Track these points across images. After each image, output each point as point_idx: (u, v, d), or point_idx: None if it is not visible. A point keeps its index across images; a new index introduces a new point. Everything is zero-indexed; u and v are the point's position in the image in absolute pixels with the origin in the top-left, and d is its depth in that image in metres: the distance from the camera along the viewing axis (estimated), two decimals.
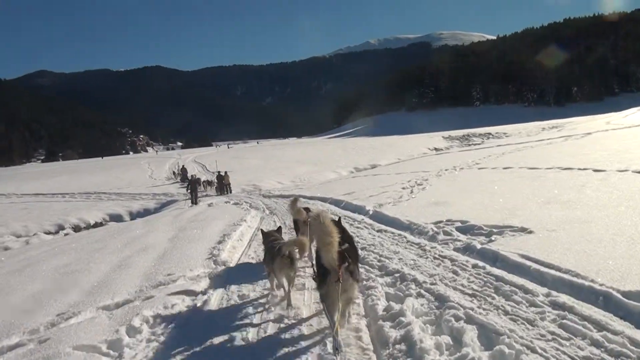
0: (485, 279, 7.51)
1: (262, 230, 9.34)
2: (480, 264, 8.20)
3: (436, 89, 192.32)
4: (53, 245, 16.99)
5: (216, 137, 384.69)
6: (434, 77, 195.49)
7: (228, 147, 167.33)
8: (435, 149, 69.39)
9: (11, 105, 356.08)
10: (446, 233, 10.64)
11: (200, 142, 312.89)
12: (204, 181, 46.70)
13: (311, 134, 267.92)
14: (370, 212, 14.98)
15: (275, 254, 7.28)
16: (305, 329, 6.58)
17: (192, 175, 37.76)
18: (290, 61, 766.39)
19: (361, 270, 8.23)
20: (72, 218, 35.06)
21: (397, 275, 8.34)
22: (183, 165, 63.73)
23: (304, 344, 6.12)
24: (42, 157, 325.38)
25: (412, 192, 17.93)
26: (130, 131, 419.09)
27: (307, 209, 10.27)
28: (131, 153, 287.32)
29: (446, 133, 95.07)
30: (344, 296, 5.66)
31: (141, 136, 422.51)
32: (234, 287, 8.81)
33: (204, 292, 8.73)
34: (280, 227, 9.52)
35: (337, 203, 18.68)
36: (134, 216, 35.55)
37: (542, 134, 66.60)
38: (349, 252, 5.90)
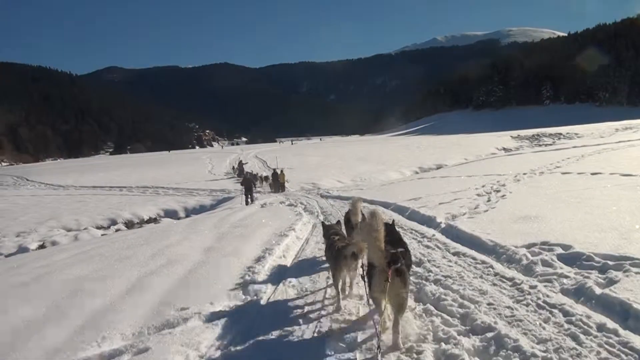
0: (621, 354, 5.06)
1: (323, 222, 9.92)
2: (609, 323, 5.64)
3: (505, 87, 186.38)
4: (84, 247, 15.29)
5: (280, 133, 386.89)
6: (503, 74, 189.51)
7: (292, 143, 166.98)
8: (504, 149, 66.06)
9: (82, 99, 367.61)
10: (546, 263, 7.98)
11: (264, 138, 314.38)
12: (260, 176, 45.52)
13: (374, 132, 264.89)
14: (442, 226, 12.56)
15: (338, 253, 7.21)
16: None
17: (246, 172, 34.96)
18: (356, 58, 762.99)
19: (436, 320, 6.45)
20: (125, 213, 34.23)
21: (489, 335, 5.75)
22: (240, 160, 62.57)
23: None
24: (110, 150, 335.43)
25: (489, 200, 15.43)
26: (197, 126, 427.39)
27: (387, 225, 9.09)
28: (197, 147, 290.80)
29: (515, 132, 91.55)
30: (393, 299, 5.51)
31: (207, 131, 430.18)
32: (260, 338, 6.51)
33: (217, 347, 6.45)
34: (339, 221, 9.74)
35: (401, 210, 16.33)
36: (189, 212, 34.71)
37: (617, 135, 62.35)
38: (403, 256, 5.86)
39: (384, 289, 5.38)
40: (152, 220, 33.68)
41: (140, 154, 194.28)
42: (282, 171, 40.98)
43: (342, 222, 9.82)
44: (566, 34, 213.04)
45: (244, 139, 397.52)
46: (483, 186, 19.04)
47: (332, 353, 5.72)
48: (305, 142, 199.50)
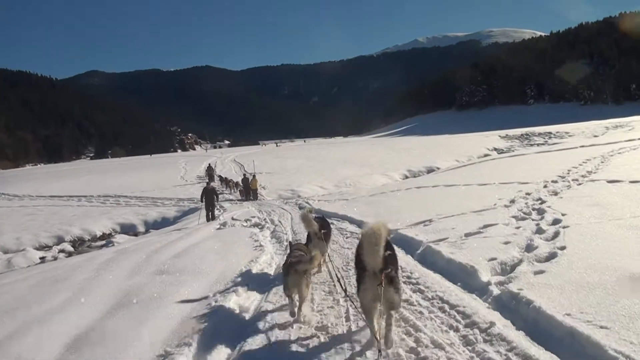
0: None
1: (290, 242, 9.99)
2: None
3: (488, 87, 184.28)
4: None
5: (263, 135, 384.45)
6: (486, 74, 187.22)
7: (277, 145, 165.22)
8: (496, 150, 62.91)
9: (62, 104, 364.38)
10: None
11: (247, 141, 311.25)
12: (231, 182, 42.13)
13: (358, 134, 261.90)
14: (495, 293, 7.22)
15: (289, 268, 7.12)
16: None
17: (207, 183, 30.20)
18: (338, 60, 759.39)
19: None
20: (75, 228, 30.42)
21: None
22: (209, 165, 58.33)
23: None
24: (91, 155, 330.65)
25: (539, 228, 10.28)
26: (179, 130, 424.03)
27: (322, 220, 9.93)
28: (179, 151, 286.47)
29: (502, 132, 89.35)
30: (385, 303, 5.51)
31: (189, 135, 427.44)
32: None
33: None
34: (309, 235, 9.66)
35: (408, 245, 10.97)
36: (149, 226, 31.08)
37: (611, 133, 60.46)
38: (391, 259, 5.91)
39: (377, 294, 5.42)
40: (105, 236, 29.81)
41: (118, 159, 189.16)
42: (254, 176, 36.98)
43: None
44: (548, 34, 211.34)
45: (226, 142, 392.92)
46: (512, 201, 14.15)
47: None
48: (289, 144, 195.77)
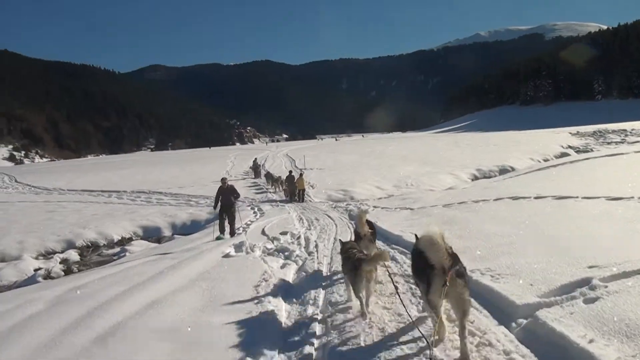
0: None
1: (340, 240, 9.60)
2: None
3: (554, 82, 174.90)
4: None
5: (321, 130, 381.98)
6: (551, 69, 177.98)
7: (336, 140, 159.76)
8: (571, 147, 56.93)
9: (124, 97, 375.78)
10: None
11: (304, 135, 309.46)
12: (277, 179, 36.82)
13: (417, 129, 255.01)
14: None
15: (357, 264, 7.16)
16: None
17: (222, 180, 20.56)
18: (397, 54, 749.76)
19: None
20: (90, 232, 25.94)
21: None
22: (255, 159, 53.47)
23: None
24: (152, 147, 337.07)
25: None
26: (238, 123, 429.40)
27: (370, 223, 9.98)
28: (238, 144, 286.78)
29: (572, 129, 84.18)
30: (457, 303, 5.35)
31: (248, 128, 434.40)
32: None
33: None
34: (358, 235, 9.67)
35: None
36: (176, 229, 26.63)
37: None
38: (457, 258, 5.59)
39: (442, 292, 5.20)
40: (124, 241, 25.38)
41: (177, 151, 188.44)
42: (301, 175, 31.93)
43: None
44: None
45: (284, 136, 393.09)
46: None
47: None
48: (345, 138, 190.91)
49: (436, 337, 5.54)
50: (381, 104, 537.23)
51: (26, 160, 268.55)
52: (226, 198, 19.35)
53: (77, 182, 50.08)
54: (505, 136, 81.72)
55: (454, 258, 5.45)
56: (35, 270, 20.32)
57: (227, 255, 11.58)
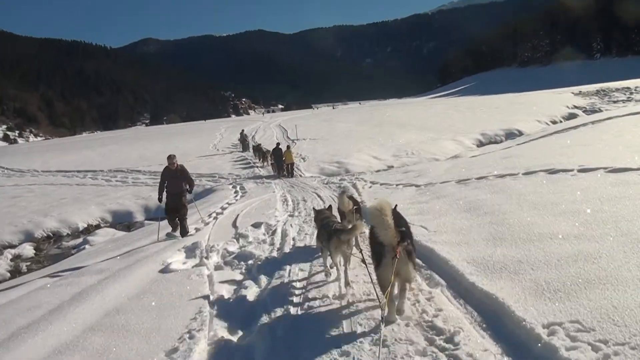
0: None
1: (314, 208, 9.88)
2: None
3: (551, 42, 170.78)
4: None
5: (317, 99, 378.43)
6: (548, 27, 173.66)
7: (333, 108, 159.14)
8: (577, 107, 53.91)
9: (117, 72, 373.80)
10: None
11: (300, 105, 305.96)
12: (265, 152, 33.64)
13: (413, 95, 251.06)
14: None
15: (333, 235, 7.26)
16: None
17: (170, 159, 13.88)
18: (392, 19, 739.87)
19: None
20: (52, 220, 23.20)
21: None
22: (242, 130, 49.80)
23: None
24: (147, 121, 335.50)
25: None
26: (233, 95, 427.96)
27: (352, 199, 9.90)
28: (233, 116, 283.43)
29: (575, 89, 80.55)
30: (402, 275, 5.69)
31: (243, 100, 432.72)
32: None
33: None
34: (330, 206, 9.53)
35: None
36: (150, 213, 23.76)
37: None
38: (407, 234, 5.94)
39: (392, 265, 5.47)
40: (90, 229, 22.60)
41: (171, 125, 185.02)
42: (288, 148, 28.76)
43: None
44: None
45: (280, 106, 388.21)
46: None
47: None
48: (342, 107, 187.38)
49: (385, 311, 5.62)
50: (376, 71, 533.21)
51: (20, 140, 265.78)
52: (174, 184, 13.56)
53: (54, 162, 46.92)
54: (507, 98, 78.04)
55: (403, 234, 5.71)
56: None
57: (166, 269, 8.56)
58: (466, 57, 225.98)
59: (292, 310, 6.47)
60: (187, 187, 13.85)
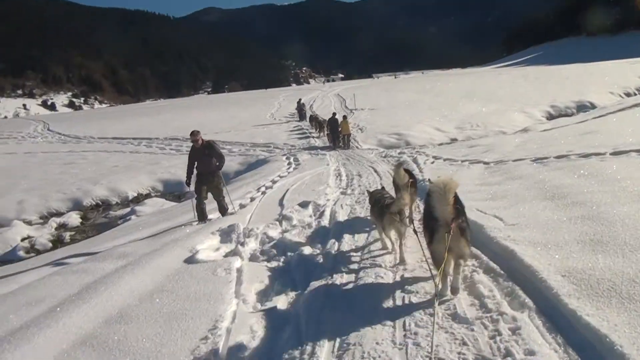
0: None
1: (367, 190, 10.04)
2: None
3: (622, 9, 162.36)
4: None
5: (379, 68, 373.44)
6: None
7: (395, 77, 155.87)
8: None
9: (180, 41, 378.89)
10: None
11: (360, 74, 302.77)
12: (316, 119, 32.97)
13: (477, 65, 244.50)
14: None
15: (385, 209, 7.29)
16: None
17: (194, 136, 11.94)
18: None
19: None
20: (102, 188, 22.63)
21: None
22: (300, 99, 48.37)
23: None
24: (208, 90, 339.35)
25: None
26: (294, 64, 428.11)
27: (409, 172, 9.07)
28: (294, 85, 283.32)
29: None
30: (455, 251, 5.52)
31: (304, 68, 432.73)
32: None
33: None
34: (384, 187, 9.60)
35: None
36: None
37: None
38: (461, 212, 5.81)
39: (445, 241, 5.37)
40: (139, 198, 22.18)
41: (229, 93, 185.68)
42: (344, 118, 27.31)
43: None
44: None
45: (340, 75, 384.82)
46: None
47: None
48: (403, 76, 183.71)
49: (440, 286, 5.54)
50: (440, 40, 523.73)
51: (85, 107, 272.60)
52: (203, 163, 11.79)
53: (111, 129, 46.91)
54: (576, 68, 73.72)
55: (458, 212, 5.59)
56: (23, 239, 16.96)
57: (193, 258, 7.37)
58: (533, 26, 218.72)
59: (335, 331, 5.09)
60: (217, 163, 11.88)
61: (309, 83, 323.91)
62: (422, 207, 9.41)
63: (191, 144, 12.05)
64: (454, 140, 25.41)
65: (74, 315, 5.42)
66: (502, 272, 5.80)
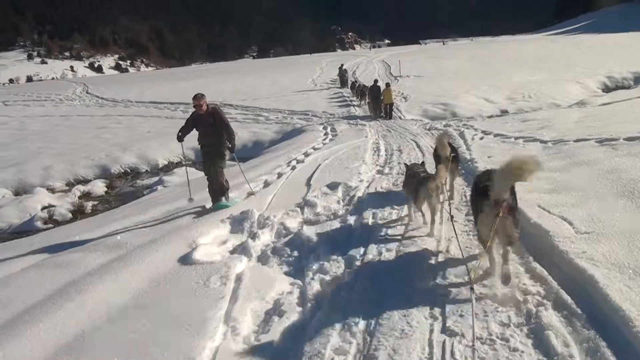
0: None
1: (405, 164, 9.16)
2: None
3: None
4: None
5: (426, 35, 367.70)
6: None
7: (443, 44, 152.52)
8: None
9: (226, 6, 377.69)
10: None
11: (407, 40, 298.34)
12: (358, 87, 31.20)
13: (526, 32, 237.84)
14: None
15: (420, 183, 7.12)
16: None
17: (199, 102, 9.75)
18: None
19: None
20: (131, 156, 21.96)
21: None
22: (341, 65, 46.48)
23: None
24: (254, 54, 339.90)
25: None
26: (340, 29, 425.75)
27: (451, 145, 8.99)
28: (339, 51, 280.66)
29: None
30: (502, 234, 5.12)
31: (350, 34, 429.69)
32: None
33: None
34: (423, 162, 8.94)
35: None
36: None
37: None
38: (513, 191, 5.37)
39: (493, 222, 4.99)
40: (170, 166, 21.41)
41: (273, 58, 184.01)
42: (387, 86, 25.70)
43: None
44: None
45: (386, 41, 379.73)
46: None
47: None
48: (451, 43, 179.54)
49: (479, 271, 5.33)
50: (489, 6, 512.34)
51: (131, 69, 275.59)
52: (205, 133, 9.86)
53: (149, 93, 46.28)
54: (633, 37, 69.69)
55: (513, 190, 5.31)
56: (43, 208, 16.10)
57: (188, 257, 6.09)
58: None
59: None
60: (226, 134, 9.89)
61: (354, 49, 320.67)
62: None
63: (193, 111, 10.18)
64: (504, 112, 23.60)
65: (25, 336, 4.29)
66: (578, 310, 4.25)
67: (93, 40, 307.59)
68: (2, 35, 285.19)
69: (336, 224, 7.86)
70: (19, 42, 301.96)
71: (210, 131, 9.68)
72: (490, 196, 5.00)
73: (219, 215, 8.26)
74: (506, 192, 4.99)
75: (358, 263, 6.12)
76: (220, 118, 9.84)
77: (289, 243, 6.97)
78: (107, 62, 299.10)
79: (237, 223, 7.74)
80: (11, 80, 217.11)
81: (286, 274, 6.18)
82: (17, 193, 18.30)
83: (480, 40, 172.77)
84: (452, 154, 8.44)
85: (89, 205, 16.48)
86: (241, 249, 6.75)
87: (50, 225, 14.39)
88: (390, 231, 7.19)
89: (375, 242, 6.76)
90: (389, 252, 6.34)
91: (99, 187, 18.51)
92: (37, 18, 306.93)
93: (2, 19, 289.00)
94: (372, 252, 6.39)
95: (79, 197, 17.47)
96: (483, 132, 15.98)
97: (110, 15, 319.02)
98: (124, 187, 19.05)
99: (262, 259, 6.52)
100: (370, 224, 7.70)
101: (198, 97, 9.81)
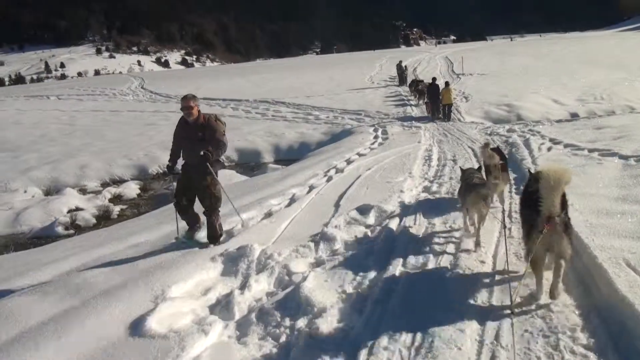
0: None
1: (461, 167, 9.24)
2: None
3: None
4: None
5: (493, 31, 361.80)
6: None
7: (511, 40, 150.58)
8: None
9: (287, 1, 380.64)
10: None
11: (473, 37, 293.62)
12: (416, 85, 29.53)
13: (597, 28, 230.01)
14: None
15: (471, 189, 7.01)
16: None
17: (187, 105, 7.44)
18: None
19: None
20: (167, 158, 20.05)
21: None
22: (400, 62, 44.44)
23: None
24: (317, 50, 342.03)
25: None
26: (405, 25, 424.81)
27: (499, 151, 8.87)
28: (403, 47, 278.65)
29: None
30: (555, 250, 4.84)
31: (414, 30, 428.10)
32: None
33: None
34: (480, 167, 8.55)
35: None
36: (279, 154, 21.31)
37: None
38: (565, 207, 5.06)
39: (544, 237, 4.73)
40: None
41: (335, 54, 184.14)
42: (447, 85, 23.80)
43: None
44: None
45: (452, 38, 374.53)
46: None
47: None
48: (518, 39, 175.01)
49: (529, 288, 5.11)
50: (557, 1, 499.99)
51: (197, 64, 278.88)
52: (191, 149, 7.43)
53: (204, 89, 45.33)
54: None
55: (565, 203, 4.99)
56: (70, 210, 15.07)
57: (140, 323, 4.30)
58: None
59: None
60: (212, 150, 7.22)
61: (418, 45, 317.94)
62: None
63: (181, 117, 7.78)
64: (574, 115, 21.41)
65: None
66: None
67: (160, 35, 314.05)
68: (72, 30, 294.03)
69: (351, 276, 5.81)
70: (88, 37, 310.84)
71: (199, 148, 7.23)
72: (542, 212, 4.72)
73: (211, 252, 6.56)
74: (558, 206, 4.69)
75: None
76: (213, 133, 7.40)
77: (284, 301, 5.18)
78: (174, 57, 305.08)
79: (232, 262, 6.12)
80: (79, 74, 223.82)
81: (266, 355, 4.34)
82: (48, 193, 17.55)
83: (549, 37, 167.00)
84: (501, 162, 7.94)
85: (116, 209, 15.33)
86: (224, 304, 5.16)
87: (71, 232, 13.36)
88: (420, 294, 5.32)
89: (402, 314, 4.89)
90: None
91: (131, 189, 17.45)
92: (106, 14, 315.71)
93: (72, 14, 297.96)
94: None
95: (110, 200, 16.45)
96: (551, 140, 13.96)
97: (177, 11, 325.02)
98: (159, 189, 17.89)
99: (242, 327, 4.75)
100: (397, 274, 5.82)
101: (188, 98, 7.55)
